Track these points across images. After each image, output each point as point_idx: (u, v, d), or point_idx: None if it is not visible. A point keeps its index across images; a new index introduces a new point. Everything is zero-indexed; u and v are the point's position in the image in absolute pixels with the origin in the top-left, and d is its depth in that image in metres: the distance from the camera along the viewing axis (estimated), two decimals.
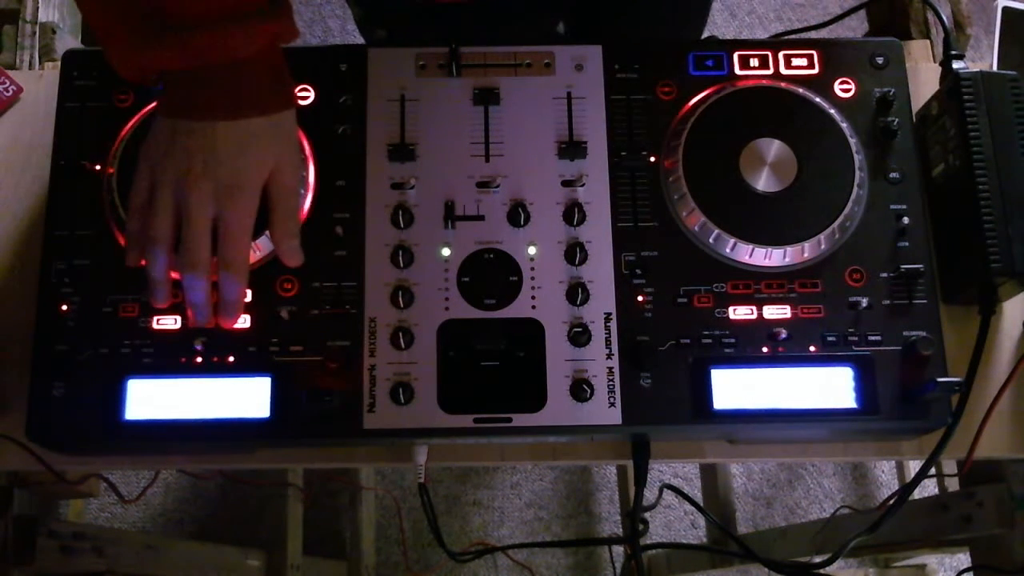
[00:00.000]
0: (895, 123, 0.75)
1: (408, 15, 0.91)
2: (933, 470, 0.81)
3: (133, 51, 0.63)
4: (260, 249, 0.70)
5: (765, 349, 0.70)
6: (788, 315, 0.71)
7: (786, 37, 0.87)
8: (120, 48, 0.64)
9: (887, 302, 0.71)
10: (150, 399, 0.69)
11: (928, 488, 1.52)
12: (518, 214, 0.72)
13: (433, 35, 0.77)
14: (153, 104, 0.72)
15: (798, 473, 1.80)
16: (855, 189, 0.72)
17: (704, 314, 0.71)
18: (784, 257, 0.71)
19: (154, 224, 0.65)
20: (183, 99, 0.64)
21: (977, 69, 0.75)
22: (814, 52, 0.77)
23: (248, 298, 0.70)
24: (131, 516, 1.69)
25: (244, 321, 0.70)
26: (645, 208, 0.73)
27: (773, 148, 0.73)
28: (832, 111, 0.74)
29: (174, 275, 0.67)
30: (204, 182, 0.63)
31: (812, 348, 0.70)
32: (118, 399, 0.68)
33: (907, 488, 0.71)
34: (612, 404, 0.69)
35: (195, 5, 0.61)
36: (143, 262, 0.67)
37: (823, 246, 0.72)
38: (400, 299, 0.70)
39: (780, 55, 0.77)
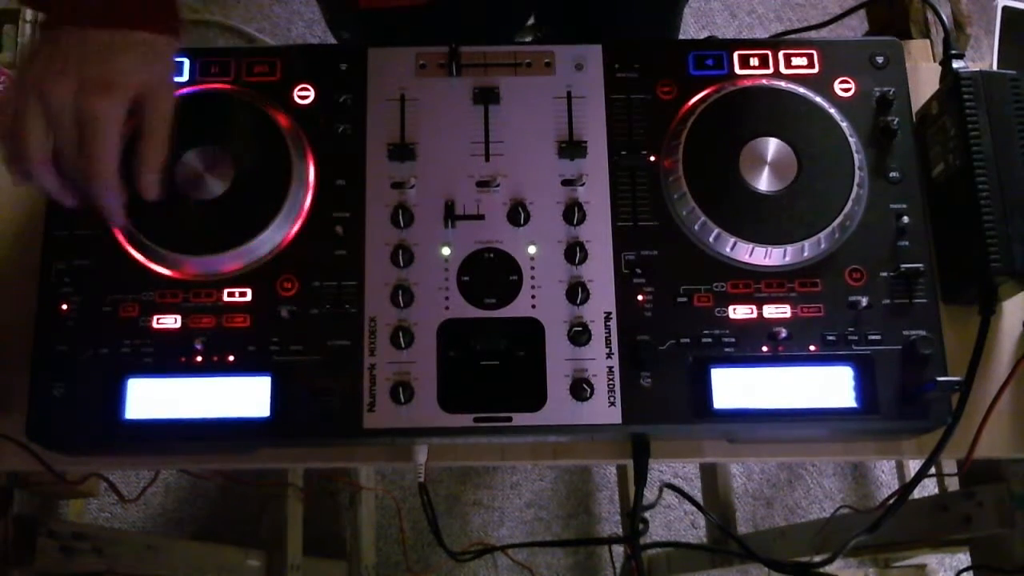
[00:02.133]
0: (895, 123, 0.75)
1: (372, 18, 0.91)
2: (933, 470, 0.81)
3: None
4: (260, 249, 0.71)
5: (765, 348, 0.70)
6: (788, 315, 0.71)
7: (786, 37, 0.87)
8: None
9: (887, 302, 0.71)
10: (150, 399, 0.69)
11: (928, 488, 1.52)
12: (518, 213, 0.72)
13: (397, 38, 0.77)
14: None
15: (798, 473, 1.80)
16: (855, 189, 0.72)
17: (704, 313, 0.71)
18: (784, 257, 0.71)
19: (23, 134, 0.62)
20: (72, 8, 0.63)
21: (977, 69, 0.75)
22: (814, 52, 0.77)
23: (248, 298, 0.71)
24: (131, 516, 1.69)
25: (244, 320, 0.70)
26: (645, 208, 0.73)
27: (773, 148, 0.73)
28: (832, 111, 0.74)
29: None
30: (67, 78, 0.61)
31: (812, 348, 0.70)
32: (118, 399, 0.68)
33: (907, 488, 0.71)
34: (612, 404, 0.69)
35: None
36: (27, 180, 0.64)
37: (823, 246, 0.72)
38: (400, 299, 0.70)
39: (780, 55, 0.77)
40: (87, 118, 0.62)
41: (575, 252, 0.71)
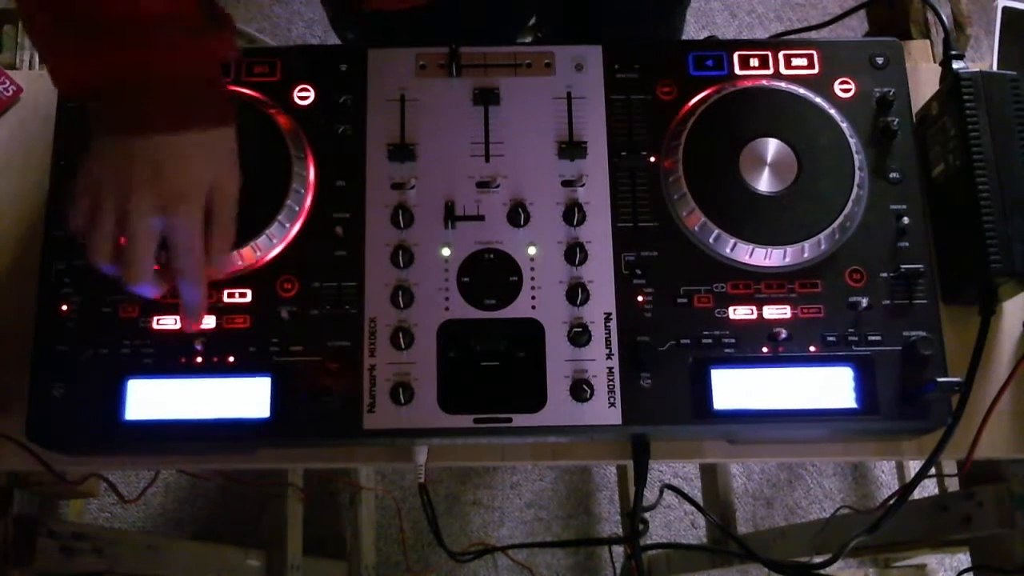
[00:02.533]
0: (895, 123, 0.75)
1: (375, 19, 0.91)
2: (933, 470, 0.81)
3: (67, 61, 0.63)
4: (260, 249, 0.71)
5: (765, 349, 0.70)
6: (788, 315, 0.71)
7: (786, 37, 0.87)
8: (55, 57, 0.64)
9: (887, 302, 0.71)
10: (150, 399, 0.69)
11: (928, 488, 1.52)
12: (518, 214, 0.72)
13: (399, 38, 0.77)
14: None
15: (798, 473, 1.80)
16: (855, 189, 0.72)
17: (704, 314, 0.71)
18: (784, 257, 0.71)
19: (96, 245, 0.64)
20: (120, 115, 0.64)
21: (977, 69, 0.75)
22: (814, 52, 0.77)
23: (248, 298, 0.71)
24: (131, 516, 1.68)
25: (244, 321, 0.70)
26: (645, 208, 0.73)
27: (773, 148, 0.73)
28: (832, 111, 0.74)
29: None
30: (146, 194, 0.63)
31: (812, 348, 0.70)
32: (118, 399, 0.68)
33: (907, 488, 0.71)
34: (612, 404, 0.69)
35: (125, 14, 0.60)
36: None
37: (823, 246, 0.72)
38: (400, 299, 0.70)
39: (780, 55, 0.77)
40: (174, 231, 0.64)
41: (575, 253, 0.71)
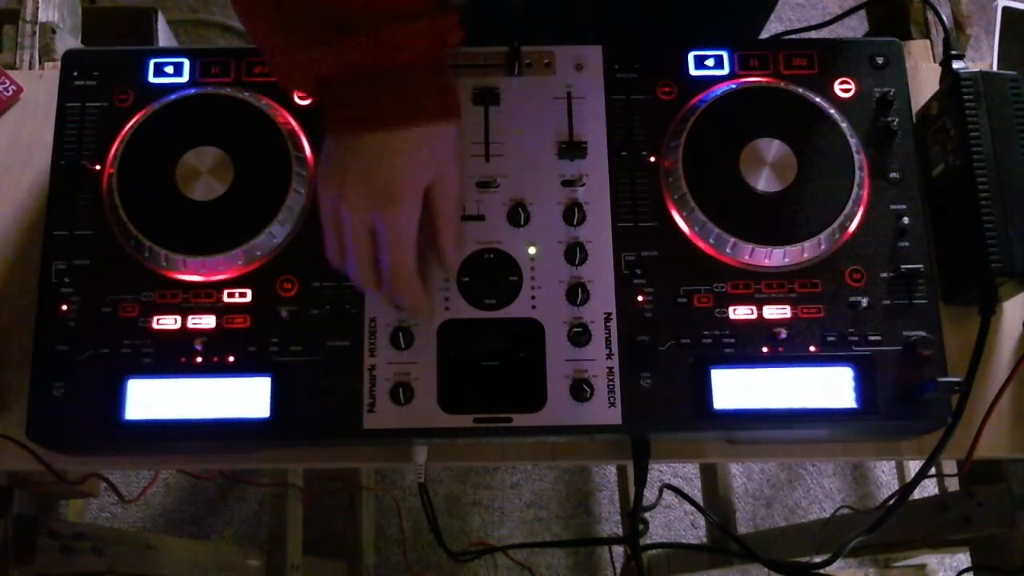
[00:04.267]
0: (895, 123, 0.75)
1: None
2: (933, 470, 0.81)
3: (290, 54, 0.61)
4: (260, 249, 0.71)
5: (765, 349, 0.70)
6: (788, 315, 0.71)
7: (786, 37, 0.87)
8: (278, 52, 0.62)
9: (887, 302, 0.71)
10: (150, 399, 0.69)
11: (928, 488, 1.52)
12: (518, 214, 0.72)
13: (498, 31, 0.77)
14: (159, 106, 0.73)
15: (798, 473, 1.80)
16: (855, 189, 0.72)
17: (704, 314, 0.71)
18: (784, 257, 0.71)
19: (329, 249, 0.66)
20: (346, 113, 0.62)
21: (977, 69, 0.75)
22: (814, 52, 0.77)
23: (248, 298, 0.71)
24: (131, 516, 1.69)
25: (244, 321, 0.70)
26: (645, 208, 0.73)
27: (773, 148, 0.73)
28: (832, 111, 0.74)
29: None
30: (354, 193, 0.62)
31: (812, 348, 0.70)
32: (118, 399, 0.68)
33: (907, 488, 0.71)
34: (612, 404, 0.69)
35: (352, 4, 0.58)
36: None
37: (823, 246, 0.72)
38: None
39: (780, 55, 0.77)
40: (382, 231, 0.62)
41: (575, 253, 0.71)
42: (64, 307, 0.70)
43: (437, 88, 0.63)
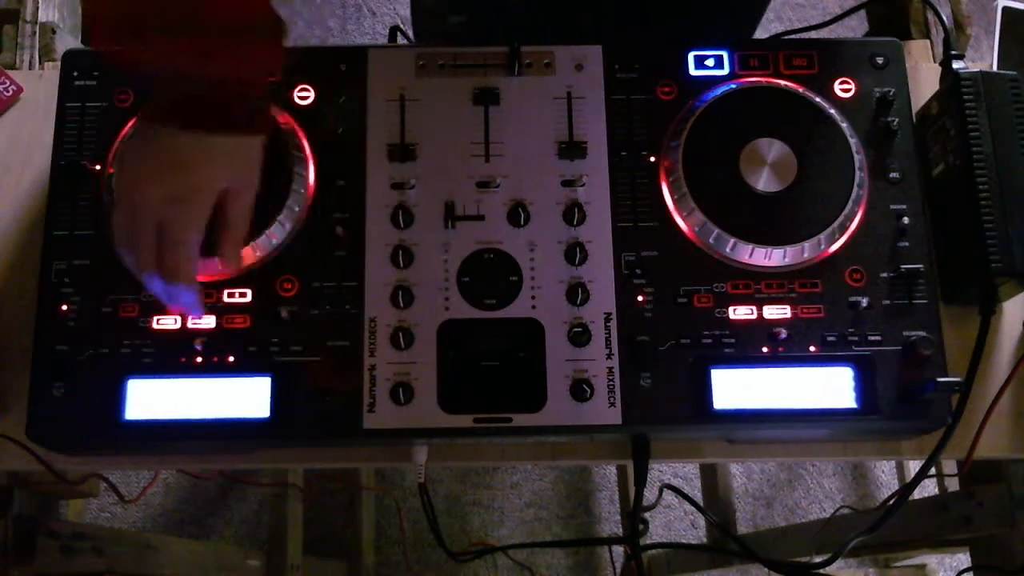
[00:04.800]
0: (895, 123, 0.75)
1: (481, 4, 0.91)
2: (933, 470, 0.81)
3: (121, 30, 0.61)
4: (260, 249, 0.71)
5: (765, 349, 0.70)
6: (788, 315, 0.71)
7: (786, 37, 0.87)
8: (106, 36, 0.63)
9: (887, 302, 0.71)
10: (150, 399, 0.69)
11: (928, 488, 1.52)
12: (518, 214, 0.72)
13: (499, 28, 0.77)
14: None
15: (798, 473, 1.80)
16: (855, 189, 0.72)
17: (704, 314, 0.71)
18: (784, 257, 0.71)
19: (115, 232, 0.65)
20: (162, 104, 0.64)
21: (977, 69, 0.75)
22: (814, 52, 0.77)
23: (248, 298, 0.71)
24: (131, 516, 1.68)
25: (244, 321, 0.70)
26: (645, 208, 0.73)
27: (773, 148, 0.73)
28: (832, 111, 0.74)
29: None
30: (150, 186, 0.63)
31: (812, 348, 0.70)
32: (118, 399, 0.68)
33: (907, 488, 0.71)
34: (612, 404, 0.69)
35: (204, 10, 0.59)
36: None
37: (823, 246, 0.72)
38: (400, 299, 0.70)
39: (780, 55, 0.77)
40: (166, 228, 0.63)
41: (575, 253, 0.71)
42: (64, 307, 0.70)
43: (249, 105, 0.65)
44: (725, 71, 0.76)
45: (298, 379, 0.69)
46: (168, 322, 0.70)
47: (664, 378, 0.69)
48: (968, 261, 0.72)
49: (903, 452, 0.76)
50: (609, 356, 0.70)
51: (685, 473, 1.74)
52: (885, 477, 1.79)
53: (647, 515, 0.76)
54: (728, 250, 0.71)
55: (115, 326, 0.70)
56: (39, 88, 0.83)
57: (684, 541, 1.72)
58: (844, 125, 0.74)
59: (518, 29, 0.77)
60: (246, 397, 0.69)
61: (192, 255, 0.64)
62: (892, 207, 0.73)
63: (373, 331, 0.70)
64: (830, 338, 0.70)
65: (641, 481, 0.74)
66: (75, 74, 0.75)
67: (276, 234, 0.71)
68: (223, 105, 0.63)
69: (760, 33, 1.09)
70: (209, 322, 0.70)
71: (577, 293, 0.70)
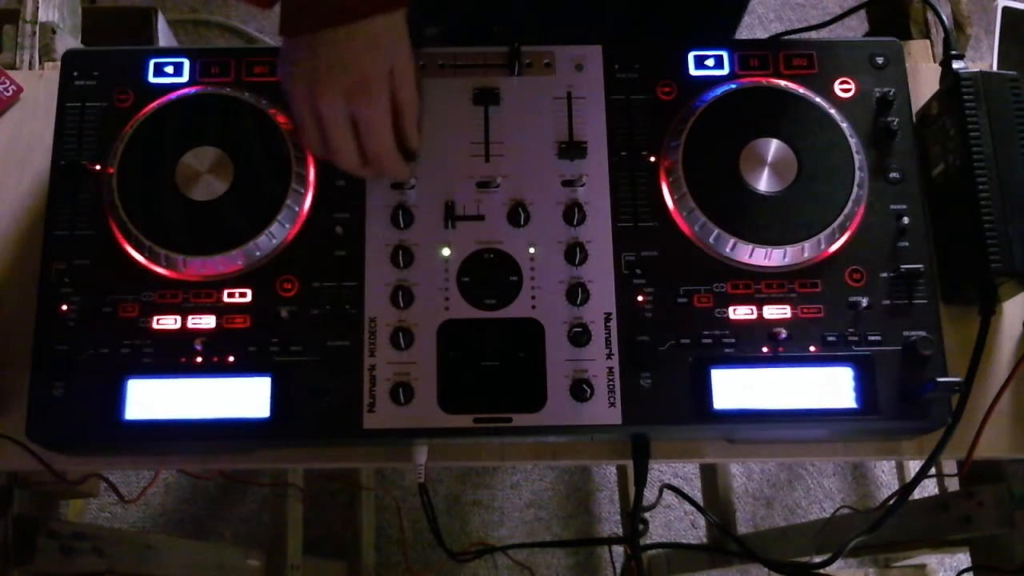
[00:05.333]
0: (895, 123, 0.75)
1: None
2: (933, 470, 0.81)
3: None
4: (260, 248, 0.71)
5: (765, 349, 0.70)
6: (788, 315, 0.71)
7: (786, 37, 0.87)
8: None
9: (887, 302, 0.71)
10: (150, 399, 0.69)
11: (928, 488, 1.52)
12: (518, 214, 0.72)
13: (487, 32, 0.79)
14: (159, 106, 0.73)
15: (798, 473, 1.80)
16: (855, 189, 0.72)
17: (704, 314, 0.71)
18: (784, 257, 0.71)
19: (309, 143, 0.70)
20: (299, 14, 0.65)
21: (977, 69, 0.75)
22: (814, 52, 0.77)
23: (248, 298, 0.71)
24: (131, 516, 1.69)
25: (244, 321, 0.70)
26: (645, 208, 0.73)
27: (773, 148, 0.73)
28: (832, 111, 0.74)
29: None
30: (330, 89, 0.65)
31: (812, 348, 0.70)
32: (118, 399, 0.68)
33: (907, 488, 0.71)
34: (612, 404, 0.69)
35: None
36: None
37: (823, 246, 0.72)
38: (400, 299, 0.70)
39: (780, 55, 0.77)
40: (362, 125, 0.67)
41: (575, 253, 0.71)
42: (64, 307, 0.70)
43: None
44: (725, 71, 0.76)
45: (298, 379, 0.69)
46: (168, 322, 0.70)
47: (664, 378, 0.69)
48: (968, 261, 0.72)
49: (903, 452, 0.76)
50: (609, 356, 0.70)
51: (685, 473, 1.74)
52: (885, 477, 1.79)
53: (647, 515, 0.76)
54: (728, 250, 0.71)
55: (115, 326, 0.70)
56: (39, 88, 0.84)
57: (684, 541, 1.72)
58: (844, 125, 0.74)
59: (493, 37, 0.77)
60: (246, 397, 0.69)
61: (390, 135, 0.68)
62: (892, 207, 0.73)
63: (373, 331, 0.70)
64: (830, 338, 0.70)
65: (641, 481, 0.74)
66: (75, 74, 0.75)
67: (276, 234, 0.71)
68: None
69: (760, 33, 1.09)
70: (209, 322, 0.70)
71: (577, 293, 0.70)
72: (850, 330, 0.71)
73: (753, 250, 0.71)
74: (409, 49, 0.69)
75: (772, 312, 0.71)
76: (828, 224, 0.71)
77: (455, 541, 1.69)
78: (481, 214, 0.73)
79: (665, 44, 0.78)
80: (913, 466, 1.21)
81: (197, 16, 2.05)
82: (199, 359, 0.69)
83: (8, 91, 0.83)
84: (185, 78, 0.76)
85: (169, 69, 0.76)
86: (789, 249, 0.71)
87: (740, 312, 0.71)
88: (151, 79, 0.75)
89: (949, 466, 1.18)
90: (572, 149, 0.74)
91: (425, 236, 0.72)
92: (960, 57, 0.77)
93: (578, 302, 0.70)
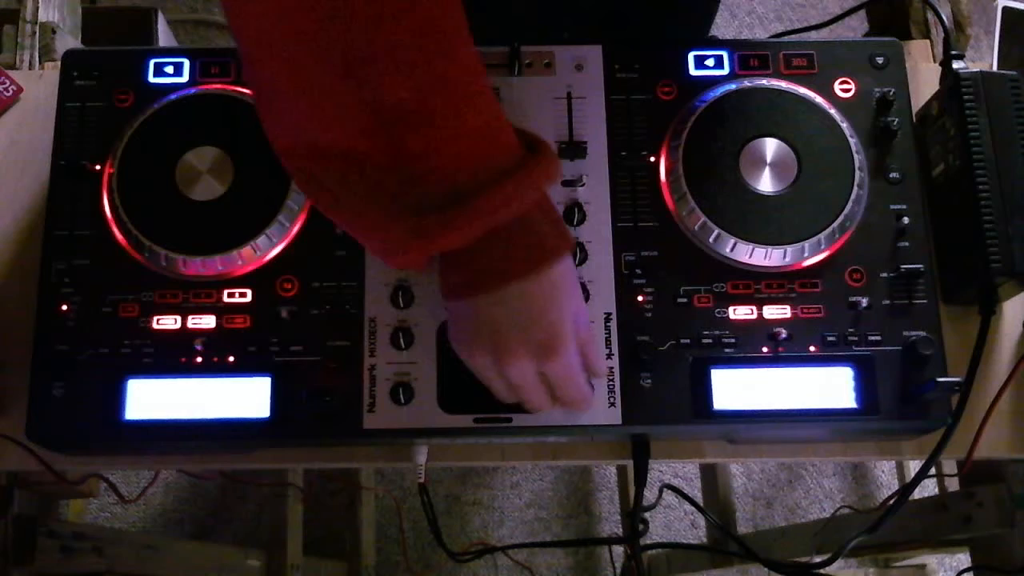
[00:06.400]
0: (895, 123, 0.75)
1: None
2: (933, 470, 0.81)
3: (411, 241, 0.56)
4: (260, 249, 0.71)
5: (765, 349, 0.70)
6: (788, 315, 0.71)
7: (786, 37, 0.87)
8: (393, 243, 0.57)
9: (887, 302, 0.71)
10: (150, 399, 0.69)
11: (928, 488, 1.52)
12: None
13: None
14: (159, 106, 0.73)
15: (798, 473, 1.81)
16: (855, 189, 0.72)
17: (704, 314, 0.71)
18: (784, 257, 0.71)
19: (499, 396, 0.64)
20: (471, 275, 0.59)
21: (977, 69, 0.75)
22: (814, 52, 0.77)
23: (248, 298, 0.71)
24: (131, 516, 1.69)
25: (244, 321, 0.70)
26: (645, 208, 0.73)
27: (773, 148, 0.73)
28: (832, 111, 0.74)
29: None
30: (518, 351, 0.60)
31: (812, 348, 0.70)
32: (118, 399, 0.68)
33: (907, 488, 0.71)
34: (612, 404, 0.69)
35: (461, 174, 0.55)
36: None
37: (823, 246, 0.72)
38: (400, 299, 0.70)
39: (780, 55, 0.77)
40: (554, 379, 0.63)
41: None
42: (64, 307, 0.70)
43: (552, 224, 0.60)
44: (725, 71, 0.76)
45: (298, 379, 0.69)
46: (168, 322, 0.70)
47: (664, 378, 0.69)
48: (968, 261, 0.72)
49: (903, 452, 0.76)
50: (609, 356, 0.70)
51: (685, 473, 1.74)
52: (885, 477, 1.79)
53: (647, 515, 0.76)
54: (728, 250, 0.71)
55: (115, 326, 0.70)
56: (39, 88, 0.83)
57: (684, 541, 1.72)
58: (844, 125, 0.74)
59: (514, 31, 0.77)
60: (246, 397, 0.69)
61: (584, 383, 0.65)
62: (892, 207, 0.73)
63: (373, 331, 0.70)
64: (830, 338, 0.70)
65: (641, 481, 0.74)
66: (75, 74, 0.75)
67: (276, 234, 0.71)
68: (533, 243, 0.59)
69: (760, 33, 1.09)
70: (209, 322, 0.70)
71: None
72: (850, 330, 0.71)
73: (753, 250, 0.71)
74: (579, 288, 0.65)
75: (772, 312, 0.71)
76: (828, 224, 0.71)
77: (455, 541, 1.69)
78: None
79: (665, 44, 0.78)
80: (913, 466, 1.21)
81: (197, 16, 2.06)
82: (199, 359, 0.69)
83: (8, 91, 0.83)
84: (185, 78, 0.75)
85: (169, 69, 0.76)
86: (789, 249, 0.71)
87: (740, 312, 0.71)
88: (151, 79, 0.75)
89: (949, 466, 1.18)
90: (572, 149, 0.74)
91: None
92: (960, 57, 0.77)
93: None
